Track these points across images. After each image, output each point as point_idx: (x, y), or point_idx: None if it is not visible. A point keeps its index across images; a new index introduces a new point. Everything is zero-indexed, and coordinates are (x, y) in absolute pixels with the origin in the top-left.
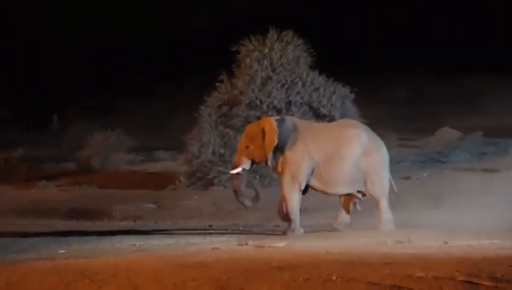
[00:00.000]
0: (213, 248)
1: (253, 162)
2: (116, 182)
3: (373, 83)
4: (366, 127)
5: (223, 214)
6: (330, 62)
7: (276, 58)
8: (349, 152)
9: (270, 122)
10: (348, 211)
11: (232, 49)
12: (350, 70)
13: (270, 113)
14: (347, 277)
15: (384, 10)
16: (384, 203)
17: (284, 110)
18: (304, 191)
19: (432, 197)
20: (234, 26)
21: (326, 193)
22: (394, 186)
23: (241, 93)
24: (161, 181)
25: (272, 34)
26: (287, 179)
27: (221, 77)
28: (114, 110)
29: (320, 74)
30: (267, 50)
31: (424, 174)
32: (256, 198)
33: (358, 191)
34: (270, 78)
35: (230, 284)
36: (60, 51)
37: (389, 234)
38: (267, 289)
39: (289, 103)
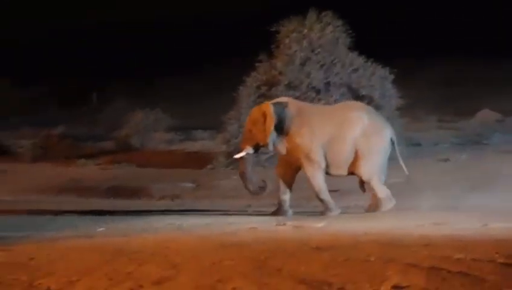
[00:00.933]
0: (251, 228)
1: (257, 146)
2: (155, 161)
3: (412, 64)
4: (370, 109)
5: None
6: (370, 43)
7: (316, 38)
8: (351, 134)
9: (268, 107)
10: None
11: (272, 30)
12: (390, 51)
13: (309, 93)
14: (385, 257)
15: None
16: (375, 182)
17: (323, 91)
18: (288, 179)
19: (470, 179)
20: (274, 7)
21: (329, 175)
22: (405, 168)
23: (280, 73)
24: (199, 161)
25: (312, 14)
26: (306, 164)
27: (261, 57)
28: (153, 89)
29: (359, 54)
30: (306, 31)
31: (463, 157)
32: (263, 188)
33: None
34: (309, 58)
35: (268, 264)
36: (101, 30)
37: (426, 216)
38: (305, 269)
39: (328, 83)
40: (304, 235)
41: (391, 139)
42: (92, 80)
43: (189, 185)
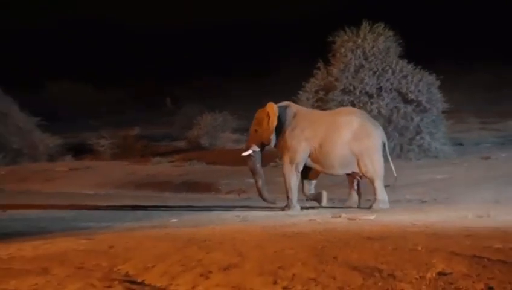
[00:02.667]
0: (309, 220)
1: (262, 145)
2: (223, 158)
3: (456, 70)
4: (361, 113)
5: (318, 189)
6: (418, 52)
7: (369, 48)
8: (339, 137)
9: (272, 108)
10: (358, 191)
11: (329, 40)
12: (436, 59)
13: (362, 98)
14: (431, 247)
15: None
16: (378, 184)
17: (375, 96)
18: (307, 173)
19: (510, 175)
20: (331, 18)
21: (326, 173)
22: (394, 170)
23: (336, 79)
24: (263, 159)
25: (365, 26)
26: (285, 161)
27: (318, 64)
28: (221, 93)
29: (408, 62)
30: (360, 41)
31: (503, 155)
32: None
33: (355, 173)
34: (362, 66)
35: (325, 252)
36: (175, 39)
37: (469, 209)
38: (358, 257)
39: (380, 88)
40: (357, 226)
41: (382, 142)
42: (166, 85)
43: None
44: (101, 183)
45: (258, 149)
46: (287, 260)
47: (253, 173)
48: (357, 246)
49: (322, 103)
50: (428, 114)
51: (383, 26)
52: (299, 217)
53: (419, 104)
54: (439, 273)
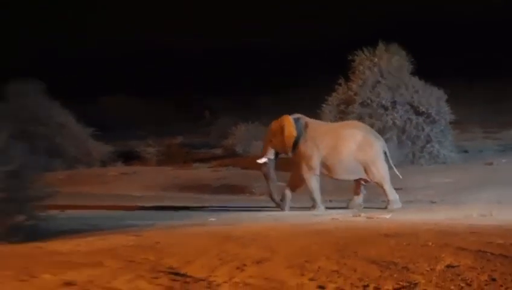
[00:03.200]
0: (332, 219)
1: (276, 153)
2: (256, 164)
3: (462, 86)
4: (364, 126)
5: (341, 191)
6: (428, 69)
7: (384, 66)
8: (345, 147)
9: (289, 120)
10: (358, 194)
11: (349, 58)
12: (444, 75)
13: (378, 110)
14: (440, 243)
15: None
16: (387, 187)
17: (390, 108)
18: None
19: (510, 179)
20: (351, 40)
21: (335, 179)
22: (398, 173)
23: (356, 94)
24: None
25: (381, 46)
26: (304, 169)
27: (340, 80)
28: (254, 106)
29: (419, 78)
30: (376, 59)
31: (504, 161)
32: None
33: (362, 179)
34: (378, 82)
35: (346, 248)
36: (213, 57)
37: (474, 209)
38: (375, 252)
39: (394, 102)
40: (375, 224)
41: (383, 151)
42: (205, 99)
43: (283, 184)
44: (147, 186)
45: (272, 157)
46: (313, 254)
47: (267, 178)
48: (375, 242)
49: (343, 115)
50: (438, 125)
51: (396, 46)
52: (323, 216)
53: (429, 115)
54: (448, 266)
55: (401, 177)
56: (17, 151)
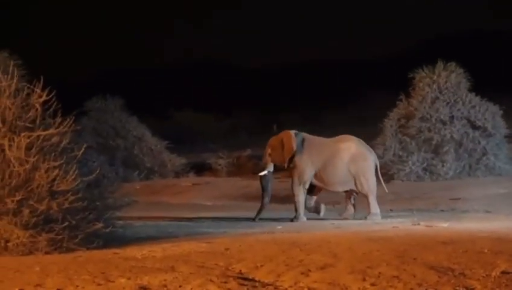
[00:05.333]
0: (393, 227)
1: (275, 166)
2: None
3: None
4: (358, 141)
5: (400, 201)
6: (484, 86)
7: (443, 82)
8: (340, 160)
9: (290, 134)
10: (352, 204)
11: (409, 76)
12: (499, 92)
13: (437, 124)
14: (495, 250)
15: None
16: (371, 199)
17: (448, 123)
18: (311, 190)
19: None
20: (411, 58)
21: (328, 190)
22: (385, 187)
23: (415, 109)
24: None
25: (440, 64)
26: (295, 180)
27: (401, 96)
28: (316, 120)
29: (476, 94)
30: (435, 76)
31: None
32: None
33: (352, 190)
34: (437, 98)
35: (406, 254)
36: (279, 74)
37: None
38: (434, 258)
39: (452, 117)
40: (433, 232)
41: (375, 164)
42: (272, 113)
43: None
44: (218, 196)
45: (271, 170)
46: (374, 261)
47: (263, 190)
48: (433, 249)
49: (403, 129)
50: (493, 138)
51: (454, 64)
52: (384, 225)
53: (485, 129)
54: (503, 272)
55: (387, 191)
56: (97, 163)
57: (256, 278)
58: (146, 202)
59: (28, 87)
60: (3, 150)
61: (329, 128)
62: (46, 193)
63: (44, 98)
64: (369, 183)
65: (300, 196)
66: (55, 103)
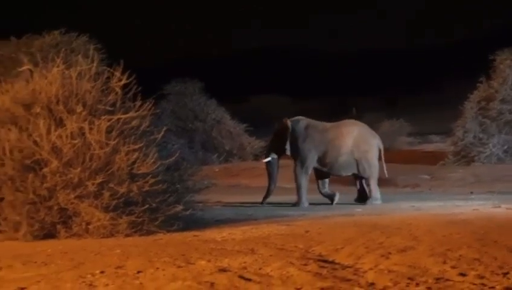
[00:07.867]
0: (473, 209)
1: (280, 152)
2: (399, 158)
3: None
4: (361, 125)
5: (481, 183)
6: None
7: None
8: (343, 144)
9: (285, 123)
10: (361, 189)
11: (490, 58)
12: None
13: None
14: None
15: None
16: (372, 183)
17: None
18: (320, 175)
19: None
20: (492, 41)
21: (333, 174)
22: (385, 171)
23: (496, 91)
24: (433, 158)
25: None
26: (297, 165)
27: (481, 79)
28: (398, 104)
29: None
30: None
31: None
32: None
33: (355, 174)
34: None
35: (487, 237)
36: (358, 60)
37: None
38: None
39: None
40: None
41: (378, 148)
42: (351, 97)
43: (426, 177)
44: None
45: (276, 156)
46: (455, 243)
47: (269, 177)
48: None
49: (483, 111)
50: None
51: None
52: (464, 207)
53: None
54: None
55: (387, 176)
56: (177, 146)
57: (336, 261)
58: (226, 185)
59: (108, 71)
60: (83, 134)
61: (408, 111)
62: (126, 175)
63: (124, 81)
64: (372, 168)
65: (303, 181)
66: (134, 87)
